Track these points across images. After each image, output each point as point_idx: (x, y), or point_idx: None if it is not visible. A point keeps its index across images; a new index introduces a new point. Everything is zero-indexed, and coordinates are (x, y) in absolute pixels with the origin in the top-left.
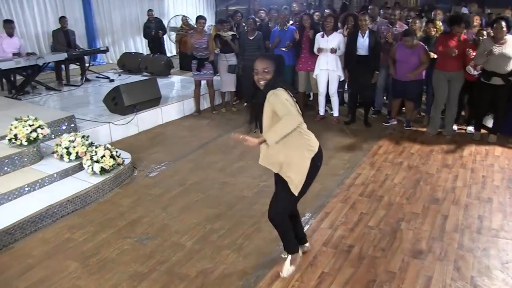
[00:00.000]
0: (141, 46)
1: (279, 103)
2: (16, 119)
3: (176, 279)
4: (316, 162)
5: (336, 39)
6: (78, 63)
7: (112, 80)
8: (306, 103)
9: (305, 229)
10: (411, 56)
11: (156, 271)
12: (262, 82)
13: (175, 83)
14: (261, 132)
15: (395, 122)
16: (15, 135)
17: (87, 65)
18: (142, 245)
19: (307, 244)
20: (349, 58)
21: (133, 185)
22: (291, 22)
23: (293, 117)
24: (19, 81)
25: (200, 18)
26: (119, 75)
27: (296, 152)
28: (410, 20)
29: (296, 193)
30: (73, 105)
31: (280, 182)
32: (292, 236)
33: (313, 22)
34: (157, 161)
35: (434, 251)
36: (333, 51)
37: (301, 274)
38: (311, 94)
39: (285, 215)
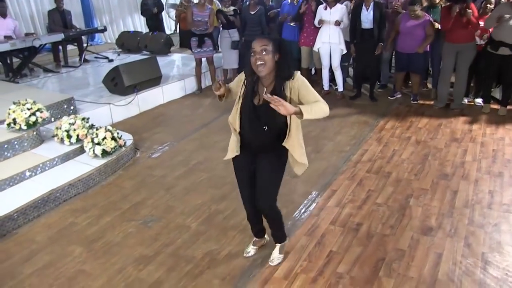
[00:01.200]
0: (139, 24)
1: (311, 87)
2: (14, 103)
3: (183, 261)
4: None
5: (339, 12)
6: (75, 44)
7: (111, 60)
8: (309, 79)
9: (311, 207)
10: (416, 28)
11: (162, 253)
12: (259, 63)
13: (175, 61)
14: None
15: (400, 95)
16: (14, 120)
17: (85, 45)
18: (147, 228)
19: (266, 236)
20: (354, 32)
21: (136, 167)
22: None
23: (327, 105)
24: (15, 64)
25: None
26: (118, 55)
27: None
28: None
29: (300, 173)
30: (72, 86)
31: (270, 165)
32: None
33: None
34: (159, 141)
35: (444, 228)
36: (337, 23)
37: (309, 253)
38: (313, 70)
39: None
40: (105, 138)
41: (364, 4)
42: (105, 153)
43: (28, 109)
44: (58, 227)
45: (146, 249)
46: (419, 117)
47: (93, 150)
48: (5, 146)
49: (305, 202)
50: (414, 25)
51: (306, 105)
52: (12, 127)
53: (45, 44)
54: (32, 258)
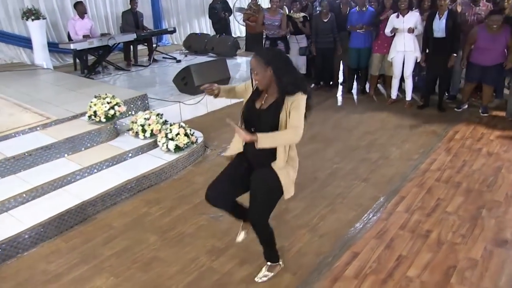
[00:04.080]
0: (205, 27)
1: (300, 111)
2: (95, 97)
3: (254, 255)
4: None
5: (412, 19)
6: (145, 44)
7: (179, 61)
8: (377, 86)
9: (380, 212)
10: (495, 42)
11: (233, 247)
12: (255, 82)
13: (241, 64)
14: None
15: (466, 107)
16: (95, 112)
17: (154, 45)
18: (218, 222)
19: None
20: (426, 41)
21: (206, 164)
22: None
23: (300, 133)
24: (90, 62)
25: None
26: (186, 56)
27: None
28: None
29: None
30: (142, 84)
31: (265, 185)
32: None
33: (395, 2)
34: (228, 141)
35: None
36: (411, 30)
37: (378, 255)
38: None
39: (268, 219)
40: (178, 134)
41: (438, 12)
42: (177, 148)
43: (108, 103)
44: (133, 215)
45: (218, 242)
46: (490, 129)
47: (166, 145)
48: (86, 137)
49: (374, 206)
50: (492, 39)
51: (267, 134)
52: (93, 119)
53: (119, 43)
54: (111, 242)
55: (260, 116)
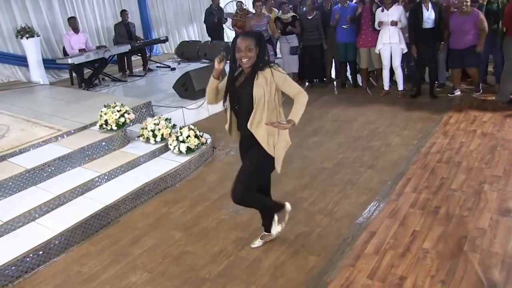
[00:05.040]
0: (193, 34)
1: (289, 78)
2: (105, 106)
3: (277, 242)
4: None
5: (396, 12)
6: (139, 54)
7: (173, 69)
8: (368, 79)
9: (389, 193)
10: (464, 24)
11: (257, 236)
12: (244, 60)
13: None
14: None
15: (459, 92)
16: (106, 121)
17: (147, 55)
18: (239, 215)
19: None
20: (415, 33)
21: (216, 163)
22: None
23: (305, 92)
24: (86, 76)
25: (256, 1)
26: (179, 64)
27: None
28: None
29: (279, 169)
30: (142, 93)
31: (250, 158)
32: (268, 201)
33: None
34: (234, 141)
35: None
36: (394, 23)
37: (394, 232)
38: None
39: (253, 192)
40: (189, 136)
41: (423, 4)
42: (189, 150)
43: (118, 111)
44: (155, 216)
45: (241, 233)
46: (482, 111)
47: (178, 148)
48: (99, 145)
49: (383, 189)
50: (462, 21)
51: (295, 113)
52: (104, 128)
53: (115, 55)
54: (139, 241)
55: (240, 92)
